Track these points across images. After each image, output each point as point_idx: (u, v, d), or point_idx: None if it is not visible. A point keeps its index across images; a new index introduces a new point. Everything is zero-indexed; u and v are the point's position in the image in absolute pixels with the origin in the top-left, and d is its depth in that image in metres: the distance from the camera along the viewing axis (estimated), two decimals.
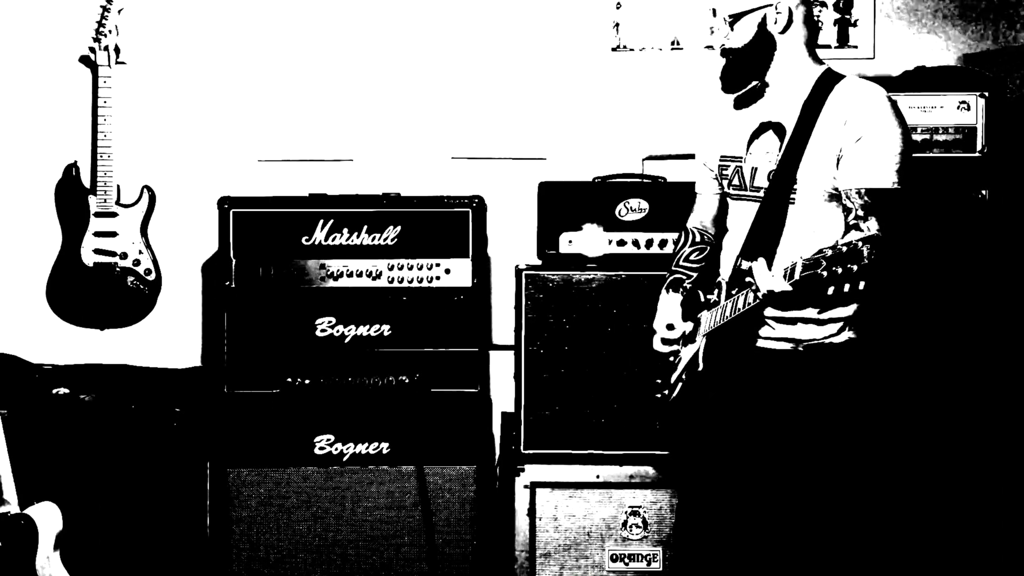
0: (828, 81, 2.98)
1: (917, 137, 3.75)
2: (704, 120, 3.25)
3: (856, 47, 4.36)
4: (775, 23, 2.98)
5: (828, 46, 4.33)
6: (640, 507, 3.84)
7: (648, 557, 3.84)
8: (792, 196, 2.96)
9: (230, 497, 3.86)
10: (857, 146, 2.89)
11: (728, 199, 3.16)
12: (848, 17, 4.37)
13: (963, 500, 3.72)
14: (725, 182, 3.14)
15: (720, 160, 3.15)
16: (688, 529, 3.23)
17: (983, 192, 3.76)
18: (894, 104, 2.94)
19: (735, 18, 3.00)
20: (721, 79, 3.08)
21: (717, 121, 3.19)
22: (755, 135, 3.05)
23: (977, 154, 3.76)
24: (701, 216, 3.32)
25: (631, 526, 3.83)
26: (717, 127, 3.18)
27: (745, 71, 3.04)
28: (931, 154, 3.77)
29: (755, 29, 2.99)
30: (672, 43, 4.40)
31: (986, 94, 3.76)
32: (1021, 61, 4.29)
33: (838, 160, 2.92)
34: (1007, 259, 3.82)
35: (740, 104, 3.11)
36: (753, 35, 2.99)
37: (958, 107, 3.77)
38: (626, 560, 3.84)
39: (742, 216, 3.08)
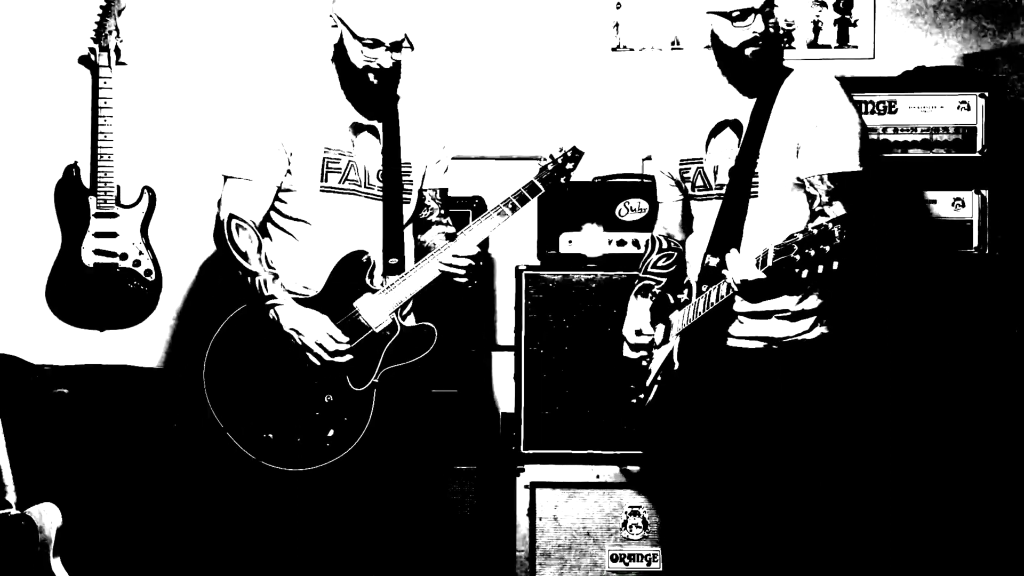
0: (778, 74, 3.02)
1: (917, 137, 3.75)
2: (659, 128, 3.25)
3: (856, 47, 4.36)
4: None
5: (828, 46, 4.34)
6: (640, 507, 3.84)
7: (648, 557, 3.84)
8: (754, 189, 2.98)
9: None
10: (816, 132, 2.93)
11: (692, 202, 3.16)
12: (848, 17, 4.37)
13: (941, 495, 3.71)
14: (688, 185, 3.15)
15: (680, 164, 3.16)
16: (671, 531, 3.24)
17: (983, 191, 3.76)
18: (847, 89, 2.98)
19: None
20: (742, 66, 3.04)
21: (672, 127, 3.20)
22: (712, 134, 3.07)
23: (977, 154, 3.77)
24: (665, 223, 3.31)
25: (631, 526, 3.83)
26: (673, 133, 3.19)
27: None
28: (931, 154, 3.77)
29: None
30: (672, 43, 4.40)
31: (986, 94, 3.76)
32: (1021, 61, 4.29)
33: (797, 149, 2.94)
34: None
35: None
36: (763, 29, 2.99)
37: (958, 107, 3.78)
38: (626, 560, 3.84)
39: (707, 216, 3.08)
